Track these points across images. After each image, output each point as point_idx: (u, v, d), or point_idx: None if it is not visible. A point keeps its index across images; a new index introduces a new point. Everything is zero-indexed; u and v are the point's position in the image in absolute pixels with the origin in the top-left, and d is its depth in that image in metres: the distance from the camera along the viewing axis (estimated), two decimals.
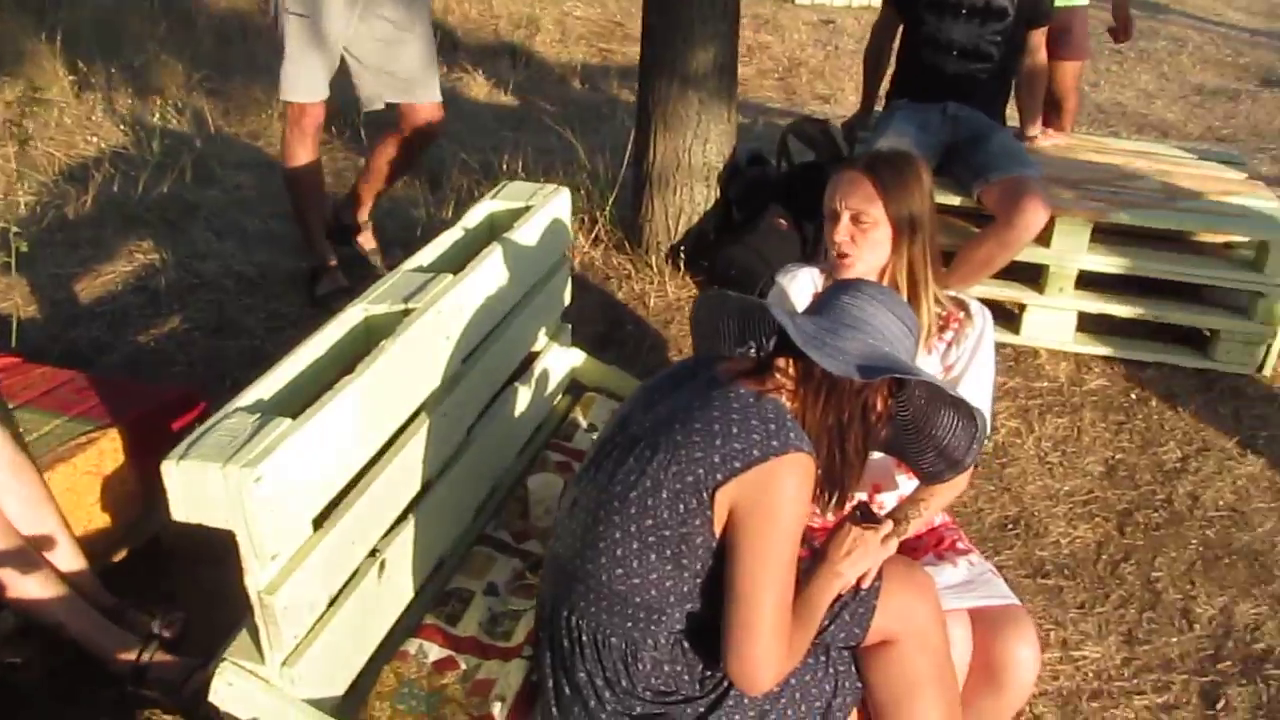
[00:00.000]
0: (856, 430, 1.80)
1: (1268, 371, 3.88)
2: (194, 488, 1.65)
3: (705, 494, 1.69)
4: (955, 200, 3.87)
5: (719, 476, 1.67)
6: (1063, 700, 2.59)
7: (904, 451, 2.03)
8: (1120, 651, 2.73)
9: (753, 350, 1.92)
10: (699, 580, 1.77)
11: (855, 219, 2.21)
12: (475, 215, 2.70)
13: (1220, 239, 4.08)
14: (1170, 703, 2.59)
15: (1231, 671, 2.68)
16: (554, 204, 2.78)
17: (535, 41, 8.13)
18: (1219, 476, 3.39)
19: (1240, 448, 3.53)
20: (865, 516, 1.87)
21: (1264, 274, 3.78)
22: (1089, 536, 3.13)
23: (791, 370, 1.78)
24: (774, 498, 1.66)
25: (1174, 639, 2.78)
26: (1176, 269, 3.91)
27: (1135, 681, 2.65)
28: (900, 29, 4.19)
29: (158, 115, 5.87)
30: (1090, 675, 2.66)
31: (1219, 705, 2.58)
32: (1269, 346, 3.85)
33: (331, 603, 1.92)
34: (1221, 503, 3.28)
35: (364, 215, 4.34)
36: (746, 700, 1.81)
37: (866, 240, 2.21)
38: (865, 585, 1.90)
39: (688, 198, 4.35)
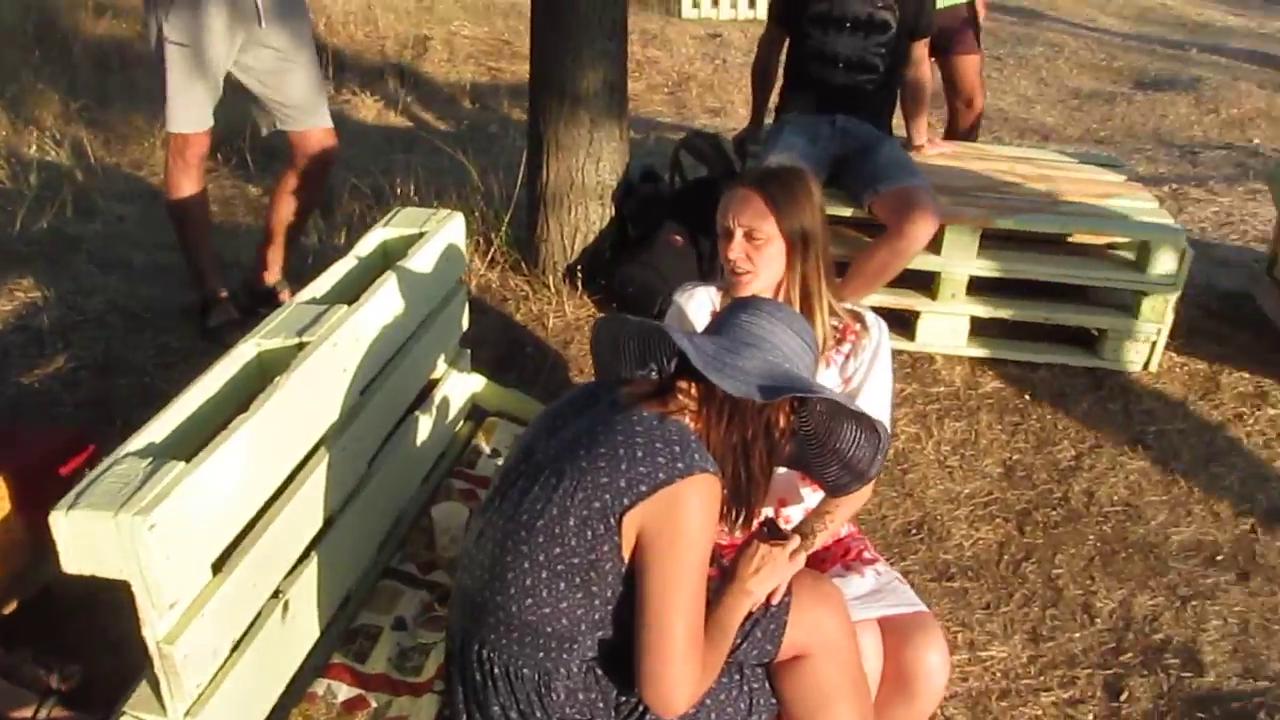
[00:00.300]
0: (760, 448, 1.81)
1: (1154, 368, 3.99)
2: (85, 538, 1.59)
3: (612, 519, 1.68)
4: (847, 211, 3.91)
5: (625, 501, 1.67)
6: (972, 701, 2.62)
7: (808, 466, 2.04)
8: (1026, 650, 2.78)
9: (654, 372, 1.92)
10: (610, 606, 1.76)
11: (749, 236, 2.22)
12: (368, 243, 2.66)
13: (1103, 240, 4.19)
14: (1076, 697, 2.64)
15: (1133, 663, 2.75)
16: (448, 229, 2.75)
17: (423, 61, 8.07)
18: (1112, 473, 3.48)
19: (1131, 444, 3.62)
20: (772, 533, 1.88)
21: (1146, 273, 3.89)
22: (990, 537, 3.18)
23: (693, 391, 1.78)
24: (681, 520, 1.66)
25: (1077, 634, 2.84)
26: (1063, 271, 4.00)
27: (1042, 678, 2.70)
28: (786, 43, 4.24)
29: (34, 147, 5.69)
30: (998, 675, 2.71)
31: (1123, 697, 2.64)
32: (1154, 344, 3.96)
33: (234, 648, 1.86)
34: (1116, 498, 3.36)
35: (275, 276, 4.15)
36: None
37: (761, 257, 2.23)
38: (775, 601, 1.91)
39: (583, 216, 4.34)
